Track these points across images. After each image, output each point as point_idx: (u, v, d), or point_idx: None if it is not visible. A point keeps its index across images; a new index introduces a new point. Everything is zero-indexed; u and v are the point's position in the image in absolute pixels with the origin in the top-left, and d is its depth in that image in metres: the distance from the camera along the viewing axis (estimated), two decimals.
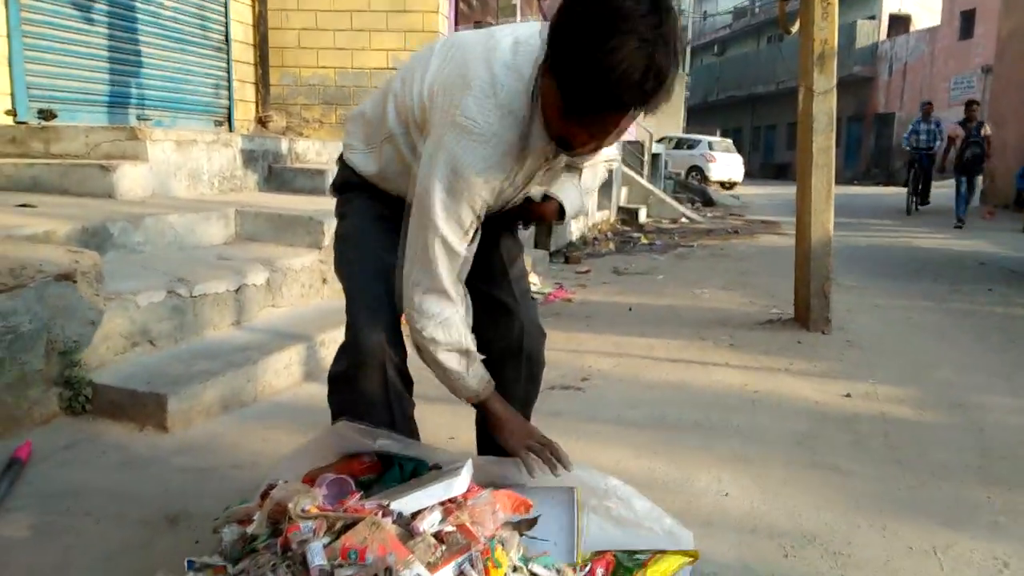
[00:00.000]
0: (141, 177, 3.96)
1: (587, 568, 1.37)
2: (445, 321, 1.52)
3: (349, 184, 1.77)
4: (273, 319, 3.27)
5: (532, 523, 1.43)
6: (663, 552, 1.56)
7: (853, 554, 1.80)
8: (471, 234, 1.50)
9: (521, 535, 1.39)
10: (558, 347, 3.74)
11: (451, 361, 1.55)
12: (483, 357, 1.61)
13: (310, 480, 1.49)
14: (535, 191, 1.72)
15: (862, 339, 4.01)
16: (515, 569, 1.25)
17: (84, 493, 2.01)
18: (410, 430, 1.69)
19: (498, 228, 1.79)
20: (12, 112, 4.42)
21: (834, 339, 3.98)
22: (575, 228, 8.22)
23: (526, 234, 2.04)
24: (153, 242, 3.30)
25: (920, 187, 12.97)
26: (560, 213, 1.75)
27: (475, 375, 1.59)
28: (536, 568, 1.28)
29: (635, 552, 1.56)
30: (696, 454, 2.41)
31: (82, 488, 2.04)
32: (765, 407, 2.89)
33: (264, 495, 1.44)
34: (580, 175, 1.79)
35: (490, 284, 1.78)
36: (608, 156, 1.89)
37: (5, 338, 2.23)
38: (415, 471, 1.55)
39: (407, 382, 1.67)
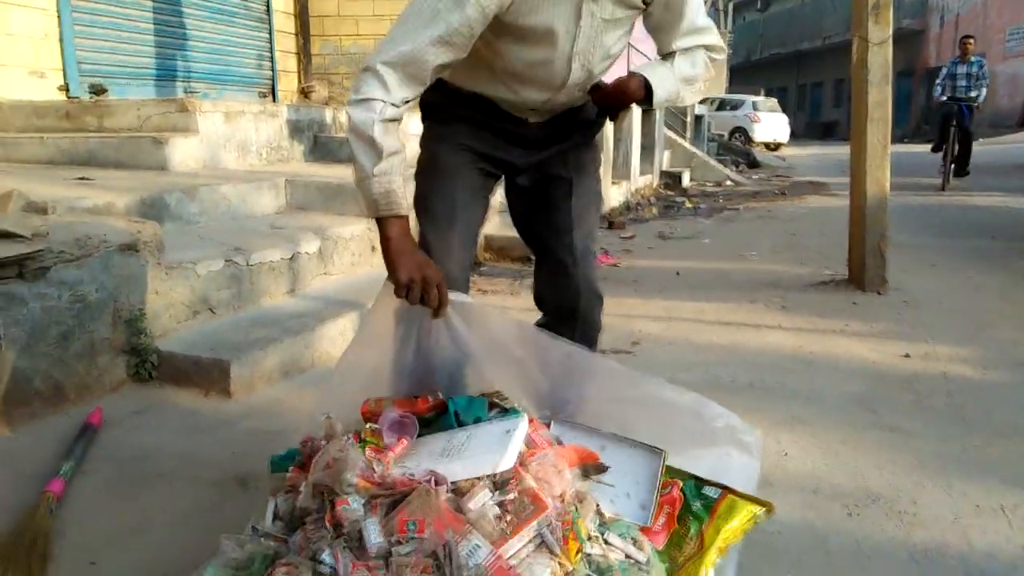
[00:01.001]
0: (192, 149, 4.02)
1: (658, 523, 1.34)
2: (365, 103, 1.35)
3: (429, 105, 1.67)
4: (326, 287, 3.32)
5: (602, 469, 1.39)
6: (734, 496, 1.44)
7: (919, 513, 1.79)
8: (453, 40, 1.35)
9: (588, 478, 1.34)
10: (607, 312, 3.72)
11: (358, 148, 1.37)
12: (400, 165, 1.41)
13: (369, 413, 1.41)
14: (594, 67, 1.54)
15: (919, 299, 3.92)
16: (590, 538, 1.22)
17: (156, 457, 2.08)
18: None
19: (574, 177, 1.69)
20: (65, 88, 4.52)
21: (891, 299, 3.90)
22: (617, 193, 8.15)
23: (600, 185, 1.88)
24: (208, 212, 3.35)
25: (957, 151, 9.55)
26: (647, 94, 1.54)
27: (380, 182, 1.38)
28: (612, 538, 1.24)
29: (703, 484, 1.46)
30: (752, 416, 2.36)
31: (154, 452, 2.11)
32: (821, 368, 2.85)
33: (304, 445, 1.40)
34: (673, 59, 1.59)
35: (552, 239, 1.71)
36: (706, 41, 1.62)
37: (74, 307, 2.30)
38: (468, 409, 1.43)
39: None
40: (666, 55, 1.61)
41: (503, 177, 1.75)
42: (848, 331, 3.35)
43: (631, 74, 1.54)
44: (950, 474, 1.99)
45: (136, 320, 2.49)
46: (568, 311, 1.73)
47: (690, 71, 1.59)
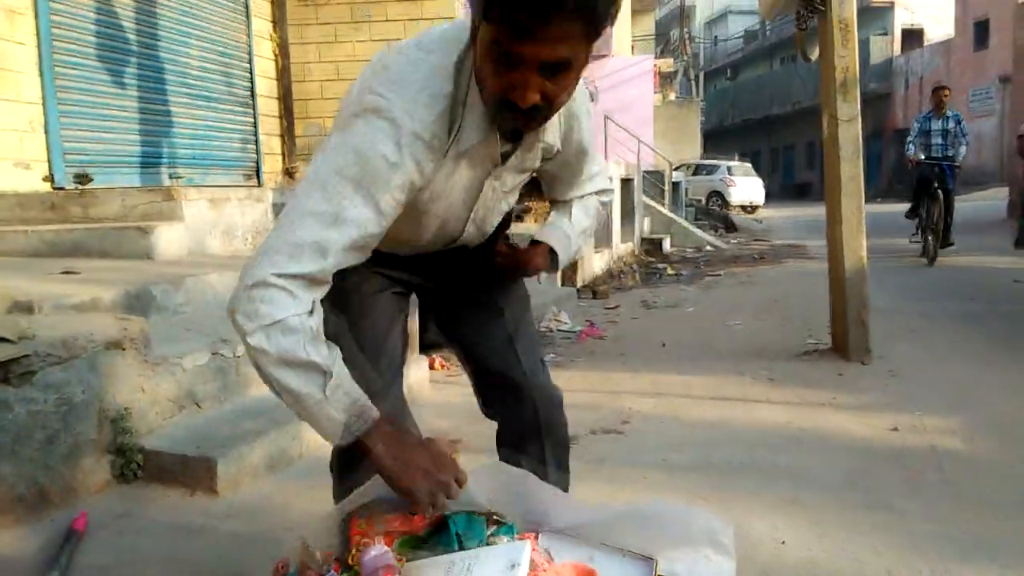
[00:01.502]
0: (177, 237, 4.04)
1: None
2: (277, 325, 1.12)
3: None
4: None
5: None
6: None
7: None
8: (354, 235, 1.18)
9: None
10: (595, 388, 3.75)
11: (293, 379, 1.14)
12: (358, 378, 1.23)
13: (358, 535, 1.28)
14: (488, 228, 1.49)
15: (903, 368, 3.96)
16: None
17: (141, 562, 2.03)
18: None
19: (494, 290, 1.60)
20: (50, 178, 4.54)
21: (875, 369, 3.94)
22: (600, 261, 8.24)
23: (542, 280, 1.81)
24: (194, 302, 3.35)
25: (937, 218, 8.26)
26: (552, 260, 1.55)
27: (339, 399, 1.17)
28: None
29: None
30: (747, 499, 2.38)
31: (139, 558, 2.06)
32: (811, 445, 2.85)
33: (277, 574, 1.31)
34: (570, 214, 1.59)
35: (495, 360, 1.59)
36: (598, 187, 1.62)
37: (60, 410, 2.27)
38: (469, 529, 1.47)
39: None
40: (562, 202, 1.61)
41: (418, 302, 1.65)
42: (836, 404, 3.37)
43: (537, 244, 1.55)
44: (947, 558, 1.98)
45: (121, 419, 2.46)
46: (532, 427, 1.60)
47: (587, 222, 1.61)
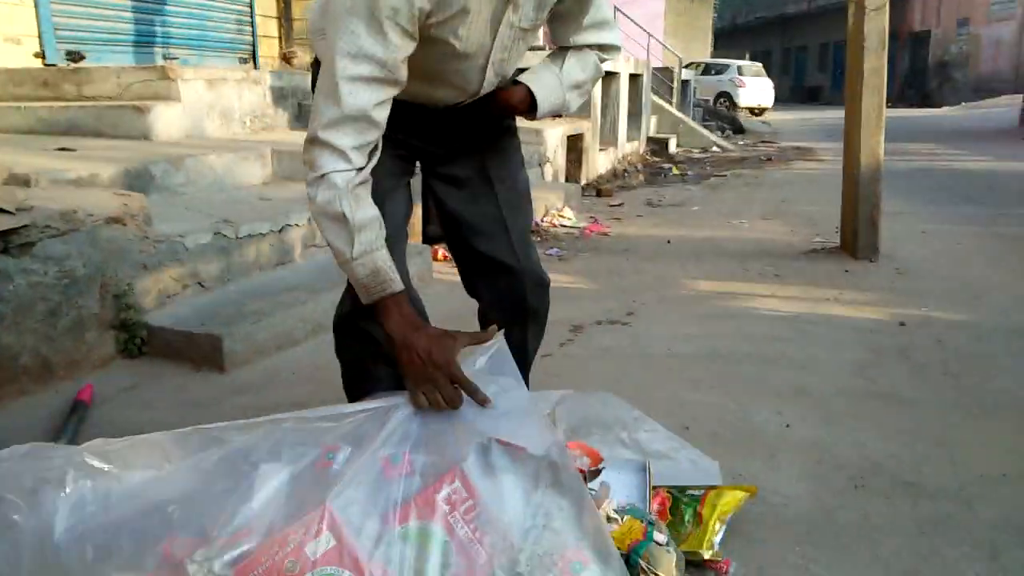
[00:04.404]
0: (175, 117, 3.93)
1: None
2: (323, 179, 1.22)
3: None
4: (316, 259, 3.26)
5: (597, 474, 1.43)
6: (718, 488, 1.56)
7: (924, 483, 1.79)
8: (400, 72, 1.23)
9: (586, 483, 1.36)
10: (600, 282, 3.72)
11: (329, 231, 1.25)
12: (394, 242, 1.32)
13: None
14: (508, 72, 1.45)
15: (911, 266, 3.92)
16: (609, 519, 1.25)
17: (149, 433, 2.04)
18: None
19: (488, 159, 1.58)
20: (41, 55, 4.39)
21: (882, 267, 3.90)
22: (605, 160, 8.09)
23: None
24: (194, 183, 3.28)
25: None
26: (531, 103, 1.47)
27: (363, 263, 1.25)
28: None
29: (686, 488, 1.56)
30: (753, 386, 2.38)
31: (146, 428, 2.04)
32: (818, 338, 2.85)
33: None
34: (562, 63, 1.51)
35: (485, 241, 1.58)
36: (603, 40, 1.53)
37: (61, 282, 2.24)
38: None
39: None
40: (558, 49, 1.53)
41: (422, 174, 1.63)
42: (842, 299, 3.35)
43: (516, 84, 1.48)
44: (952, 444, 1.99)
45: (124, 295, 2.43)
46: (520, 311, 1.62)
47: (580, 75, 1.52)
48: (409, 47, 1.22)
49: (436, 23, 1.24)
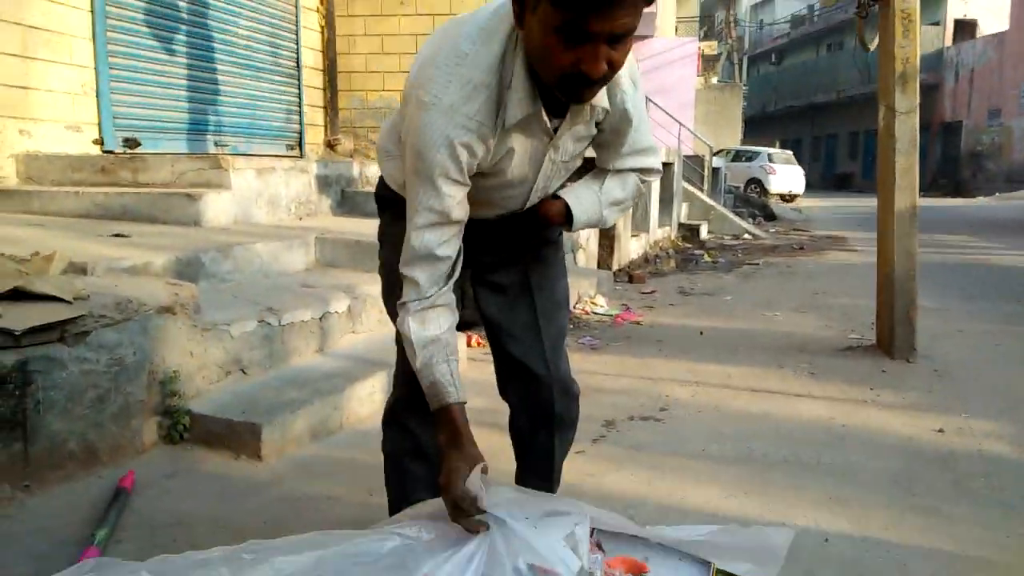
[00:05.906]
0: (225, 204, 4.08)
1: None
2: (402, 307, 1.42)
3: (383, 198, 1.65)
4: (355, 346, 3.32)
5: None
6: None
7: None
8: (455, 214, 1.38)
9: None
10: (632, 374, 3.73)
11: (407, 348, 1.43)
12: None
13: None
14: (551, 190, 1.58)
15: (950, 368, 3.87)
16: None
17: (188, 523, 2.07)
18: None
19: (530, 265, 1.67)
20: (100, 141, 4.61)
21: (920, 368, 3.86)
22: (636, 245, 8.18)
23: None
24: (241, 270, 3.39)
25: None
26: (567, 217, 1.56)
27: (424, 376, 1.41)
28: None
29: None
30: (789, 494, 2.36)
31: (186, 518, 2.10)
32: (855, 442, 2.81)
33: None
34: (602, 182, 1.59)
35: (517, 347, 1.68)
36: (643, 165, 1.62)
37: (111, 370, 2.31)
38: None
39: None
40: (600, 170, 1.61)
41: (471, 282, 1.70)
42: (880, 402, 3.31)
43: (555, 198, 1.57)
44: (995, 565, 1.94)
45: (170, 381, 2.50)
46: (546, 417, 1.71)
47: (619, 194, 1.61)
48: (463, 191, 1.37)
49: (486, 168, 1.39)
